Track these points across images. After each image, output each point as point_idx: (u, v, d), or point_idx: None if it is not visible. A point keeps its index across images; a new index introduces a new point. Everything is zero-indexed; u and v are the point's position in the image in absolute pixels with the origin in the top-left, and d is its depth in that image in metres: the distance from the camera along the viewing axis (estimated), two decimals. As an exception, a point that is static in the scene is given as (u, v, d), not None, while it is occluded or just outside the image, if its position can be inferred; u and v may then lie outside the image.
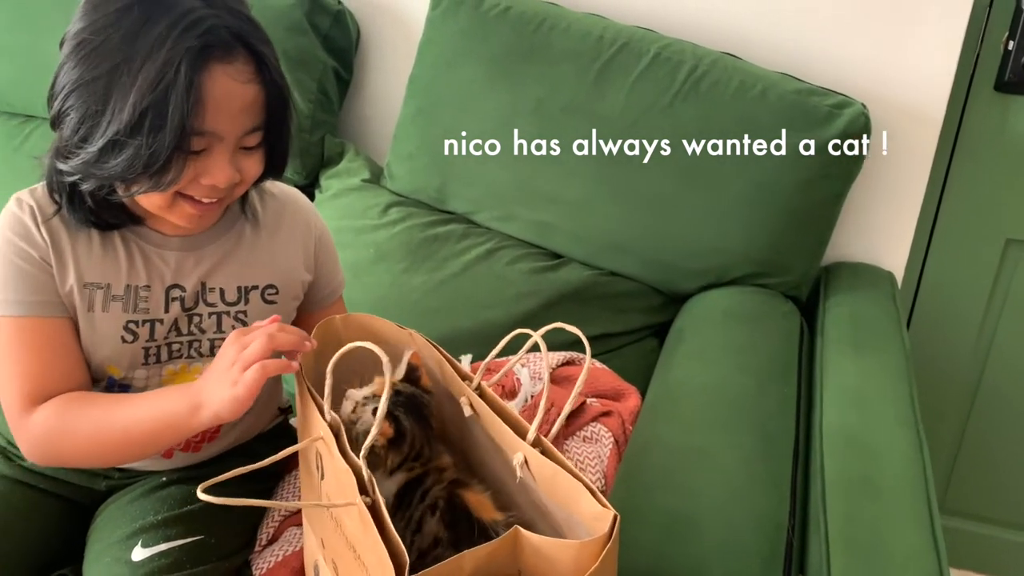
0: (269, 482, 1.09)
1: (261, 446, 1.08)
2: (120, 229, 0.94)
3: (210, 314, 0.97)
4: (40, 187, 0.93)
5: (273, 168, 0.94)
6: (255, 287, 0.99)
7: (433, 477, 0.82)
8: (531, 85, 1.45)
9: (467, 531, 0.77)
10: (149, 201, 0.89)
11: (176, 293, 0.95)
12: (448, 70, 1.51)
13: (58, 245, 0.91)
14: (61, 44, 0.86)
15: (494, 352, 0.84)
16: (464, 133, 1.50)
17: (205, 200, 0.89)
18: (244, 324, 0.99)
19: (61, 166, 0.86)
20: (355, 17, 1.68)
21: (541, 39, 1.44)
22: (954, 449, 1.82)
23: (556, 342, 1.29)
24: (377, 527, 0.67)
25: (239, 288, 0.99)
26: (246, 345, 0.81)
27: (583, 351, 1.31)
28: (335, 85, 1.66)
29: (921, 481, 0.94)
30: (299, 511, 1.03)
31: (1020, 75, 1.51)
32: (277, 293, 1.01)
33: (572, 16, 1.46)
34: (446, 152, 1.52)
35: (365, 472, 0.70)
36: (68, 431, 0.89)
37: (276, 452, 0.75)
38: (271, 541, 1.02)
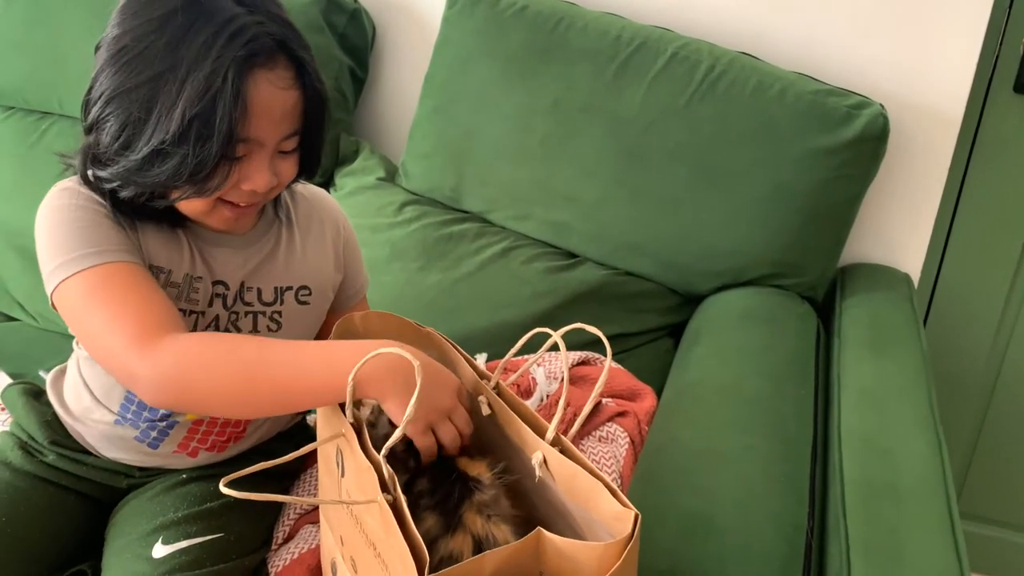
0: (285, 481, 1.09)
1: (280, 445, 1.08)
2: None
3: (247, 313, 0.97)
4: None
5: (307, 170, 0.94)
6: (290, 288, 1.00)
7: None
8: (548, 84, 1.44)
9: (445, 478, 0.78)
10: (189, 206, 0.89)
11: (220, 290, 0.96)
12: (464, 69, 1.51)
13: (129, 221, 0.90)
14: (97, 49, 0.86)
15: (513, 351, 0.84)
16: (480, 132, 1.50)
17: (243, 204, 0.90)
18: (279, 324, 0.99)
19: (100, 173, 0.86)
20: (371, 15, 1.68)
21: (558, 38, 1.44)
22: (969, 452, 1.81)
23: (572, 342, 1.27)
24: (398, 525, 0.67)
25: (275, 289, 0.99)
26: (460, 417, 0.82)
27: (599, 351, 1.31)
28: (351, 84, 1.67)
29: (941, 484, 0.94)
30: (315, 508, 1.03)
31: (1039, 77, 1.51)
32: (310, 294, 1.01)
33: (589, 15, 1.46)
34: (462, 151, 1.52)
35: (386, 469, 0.70)
36: (211, 364, 0.81)
37: (295, 450, 0.75)
38: (287, 539, 1.02)
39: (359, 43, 1.66)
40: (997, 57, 1.54)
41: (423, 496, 0.78)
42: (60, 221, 0.88)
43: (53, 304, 0.88)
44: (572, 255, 1.48)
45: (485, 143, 1.50)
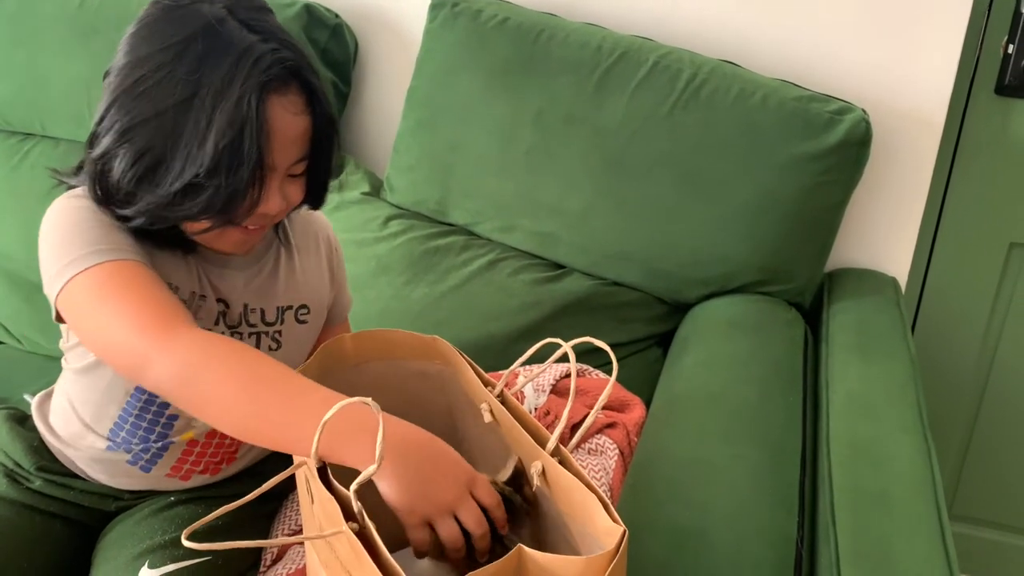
0: (272, 503, 1.08)
1: (270, 467, 1.07)
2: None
3: (250, 334, 0.98)
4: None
5: (315, 197, 0.94)
6: (290, 307, 1.01)
7: None
8: (530, 96, 1.44)
9: None
10: (197, 229, 0.88)
11: (222, 308, 0.96)
12: (447, 82, 1.51)
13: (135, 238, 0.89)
14: (105, 76, 0.85)
15: (521, 360, 0.84)
16: (464, 145, 1.50)
17: (253, 227, 0.90)
18: (279, 344, 0.99)
19: (123, 212, 0.85)
20: (353, 30, 1.68)
21: (540, 50, 1.44)
22: (961, 454, 1.81)
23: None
24: (371, 552, 0.66)
25: (277, 308, 1.00)
26: (469, 514, 0.73)
27: (589, 362, 1.31)
28: (334, 99, 1.66)
29: (930, 491, 0.94)
30: (301, 527, 1.02)
31: (1020, 78, 1.51)
32: (309, 312, 1.02)
33: (570, 26, 1.46)
34: (446, 164, 1.51)
35: (355, 504, 0.68)
36: (226, 366, 0.77)
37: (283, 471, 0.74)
38: (276, 560, 1.02)
39: (341, 58, 1.66)
40: (978, 59, 1.54)
41: None
42: (71, 222, 0.86)
43: (57, 309, 0.86)
44: (559, 266, 1.48)
45: (469, 156, 1.50)
